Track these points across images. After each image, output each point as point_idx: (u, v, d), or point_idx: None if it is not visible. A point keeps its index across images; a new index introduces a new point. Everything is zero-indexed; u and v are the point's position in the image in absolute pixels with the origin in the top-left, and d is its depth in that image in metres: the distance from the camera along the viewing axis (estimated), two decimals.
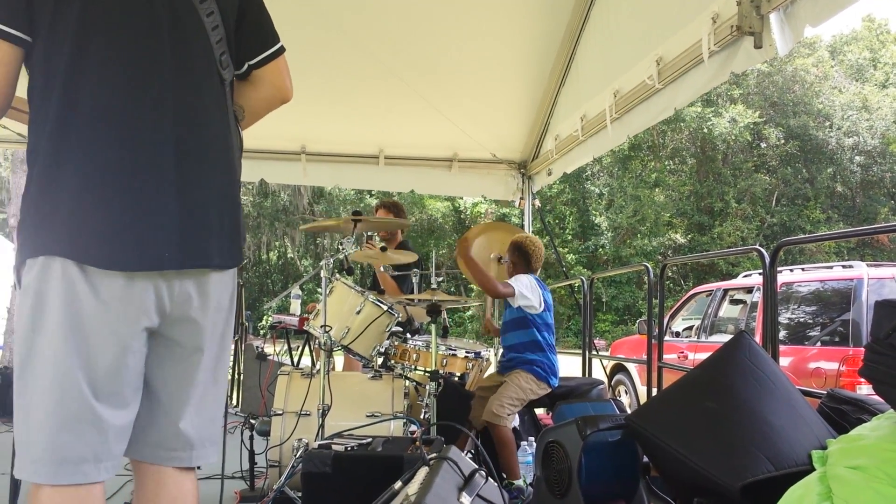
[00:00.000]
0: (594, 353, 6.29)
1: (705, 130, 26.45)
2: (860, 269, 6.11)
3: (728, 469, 2.19)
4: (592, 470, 2.69)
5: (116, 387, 1.68)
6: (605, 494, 2.79)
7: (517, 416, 4.32)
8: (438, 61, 5.53)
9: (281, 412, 3.86)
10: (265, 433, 3.85)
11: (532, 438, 4.16)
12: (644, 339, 6.37)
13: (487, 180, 7.00)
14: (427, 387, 3.92)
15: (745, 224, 26.11)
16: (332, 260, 4.01)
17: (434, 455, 2.47)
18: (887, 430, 2.10)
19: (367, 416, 3.82)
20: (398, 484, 2.31)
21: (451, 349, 4.35)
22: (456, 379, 4.41)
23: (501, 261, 4.57)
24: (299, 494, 3.32)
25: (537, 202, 7.04)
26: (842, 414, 2.61)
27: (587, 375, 5.99)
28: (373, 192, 24.12)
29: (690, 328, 8.65)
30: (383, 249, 4.66)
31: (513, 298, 4.15)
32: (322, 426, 3.56)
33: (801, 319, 6.61)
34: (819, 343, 6.19)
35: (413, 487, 2.16)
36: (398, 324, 4.45)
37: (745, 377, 2.46)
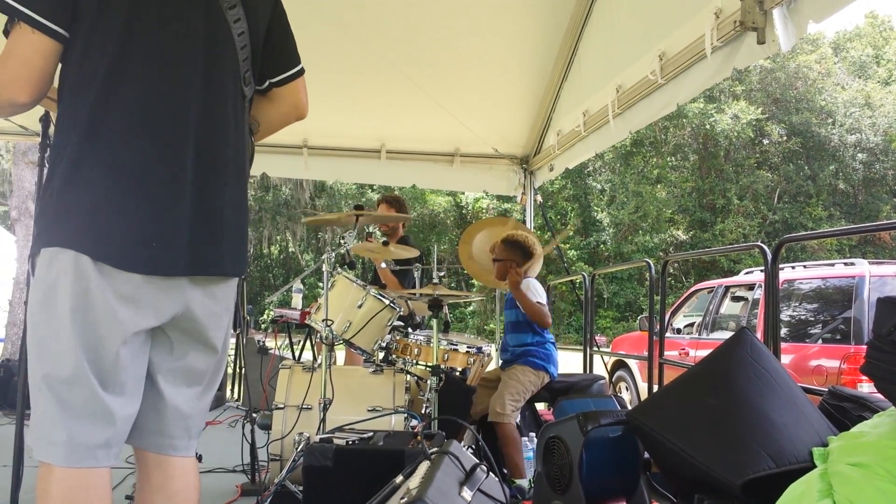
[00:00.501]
0: (595, 349, 6.29)
1: (707, 127, 26.40)
2: (862, 267, 6.11)
3: (729, 465, 2.19)
4: (593, 465, 2.69)
5: (121, 378, 1.74)
6: (606, 490, 2.79)
7: (518, 412, 4.32)
8: (440, 56, 5.52)
9: (282, 406, 3.87)
10: (266, 427, 3.86)
11: (533, 434, 4.16)
12: (645, 336, 6.37)
13: (489, 175, 7.00)
14: (428, 381, 3.92)
15: (747, 221, 26.09)
16: (333, 254, 4.02)
17: (435, 449, 2.47)
18: (888, 427, 2.10)
19: (369, 411, 3.82)
20: (399, 478, 2.31)
21: (452, 344, 4.35)
22: (457, 374, 4.41)
23: (495, 261, 4.42)
24: (300, 488, 3.33)
25: (539, 197, 7.03)
26: (843, 411, 2.61)
27: (588, 371, 5.98)
28: (374, 187, 24.10)
29: (692, 325, 8.66)
30: (385, 244, 4.66)
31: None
32: (323, 420, 3.57)
33: (803, 317, 6.61)
34: (820, 340, 6.19)
35: (414, 482, 2.17)
36: (400, 318, 4.46)
37: (747, 373, 2.46)
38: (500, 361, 4.42)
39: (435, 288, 4.04)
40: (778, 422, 2.29)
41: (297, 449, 3.55)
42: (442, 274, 4.51)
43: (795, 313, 6.65)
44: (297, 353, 6.56)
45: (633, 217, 26.55)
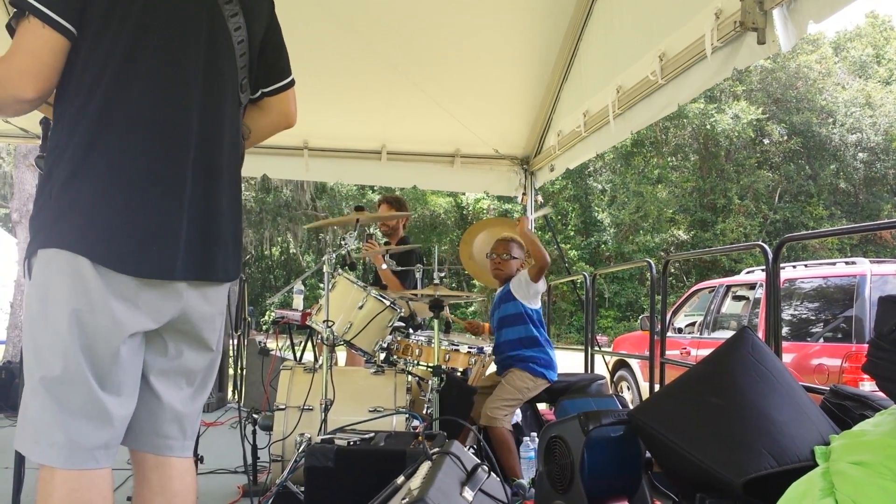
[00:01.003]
0: (596, 348, 6.29)
1: (708, 127, 26.39)
2: (863, 266, 6.10)
3: (731, 464, 2.19)
4: (595, 465, 2.69)
5: (119, 378, 1.75)
6: (608, 490, 2.79)
7: (519, 411, 4.32)
8: (441, 57, 5.52)
9: (283, 407, 3.87)
10: (268, 428, 3.86)
11: (534, 434, 4.16)
12: (646, 336, 6.37)
13: (490, 176, 7.00)
14: (429, 382, 3.92)
15: (748, 220, 26.08)
16: (334, 255, 4.02)
17: (436, 450, 2.47)
18: (890, 425, 2.10)
19: (370, 412, 3.82)
20: (401, 478, 2.31)
21: (453, 344, 4.35)
22: (458, 374, 4.41)
23: (493, 257, 4.41)
24: (302, 489, 3.33)
25: (540, 198, 7.03)
26: (845, 410, 2.61)
27: (589, 371, 5.98)
28: (375, 188, 24.10)
29: (693, 324, 8.65)
30: (386, 244, 4.66)
31: (537, 285, 4.14)
32: (325, 421, 3.57)
33: (804, 316, 6.60)
34: (822, 339, 6.19)
35: (416, 482, 2.17)
36: (401, 319, 4.46)
37: (749, 373, 2.46)
38: (496, 367, 4.39)
39: (436, 289, 4.04)
40: (779, 420, 2.29)
41: (298, 450, 3.55)
42: (443, 275, 4.50)
43: (797, 312, 6.65)
44: (298, 355, 6.56)
45: (633, 217, 26.55)
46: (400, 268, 5.49)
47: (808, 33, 3.04)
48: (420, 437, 2.91)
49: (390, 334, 4.28)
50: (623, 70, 4.58)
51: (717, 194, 27.16)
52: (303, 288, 6.22)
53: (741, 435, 2.26)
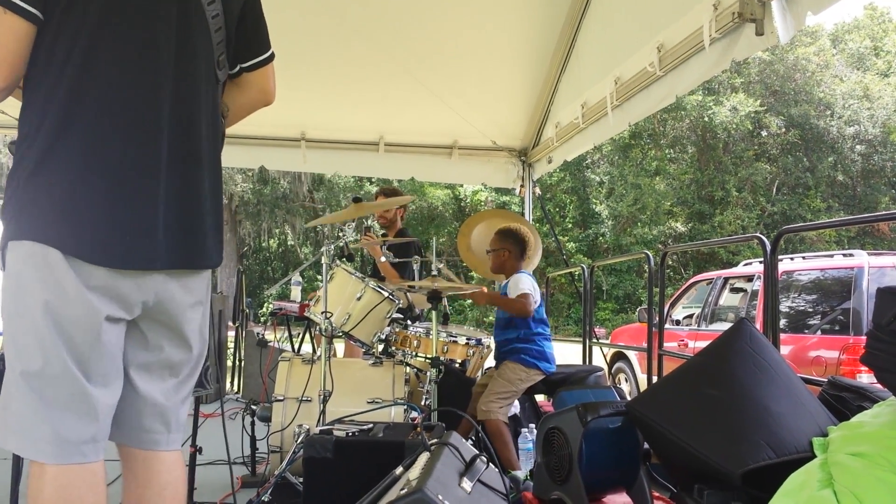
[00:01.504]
0: (594, 340, 6.29)
1: (706, 119, 26.37)
2: (861, 258, 6.11)
3: (729, 456, 2.19)
4: (593, 456, 2.68)
5: (102, 367, 1.71)
6: (606, 481, 2.80)
7: (517, 403, 4.31)
8: (439, 48, 5.51)
9: (282, 398, 3.87)
10: (266, 419, 3.86)
11: (532, 425, 4.17)
12: (644, 328, 6.38)
13: (488, 168, 7.00)
14: (428, 373, 3.92)
15: (746, 213, 26.07)
16: (332, 246, 4.01)
17: (435, 441, 2.47)
18: (888, 417, 2.10)
19: (368, 403, 3.83)
20: (399, 469, 2.31)
21: (451, 336, 4.35)
22: (457, 366, 4.41)
23: (489, 251, 4.37)
24: (301, 480, 3.33)
25: (538, 190, 7.03)
26: (842, 401, 2.61)
27: (587, 363, 5.99)
28: (373, 180, 24.07)
29: (691, 316, 8.66)
30: (384, 236, 4.66)
31: (533, 306, 4.06)
32: (323, 412, 3.57)
33: (802, 308, 6.61)
34: (819, 331, 6.20)
35: (414, 473, 2.17)
36: (399, 310, 4.46)
37: (746, 364, 2.46)
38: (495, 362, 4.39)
39: (434, 280, 4.04)
40: (777, 412, 2.29)
41: (297, 441, 3.55)
42: (441, 266, 4.50)
43: (794, 304, 6.65)
44: (296, 346, 6.57)
45: (631, 209, 26.53)
46: (398, 259, 5.49)
47: (806, 25, 3.03)
48: (418, 429, 2.91)
49: (388, 326, 4.28)
50: (621, 61, 4.58)
51: (714, 186, 27.15)
52: (301, 279, 6.23)
53: (739, 426, 2.26)
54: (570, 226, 28.15)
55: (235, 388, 7.72)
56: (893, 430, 2.00)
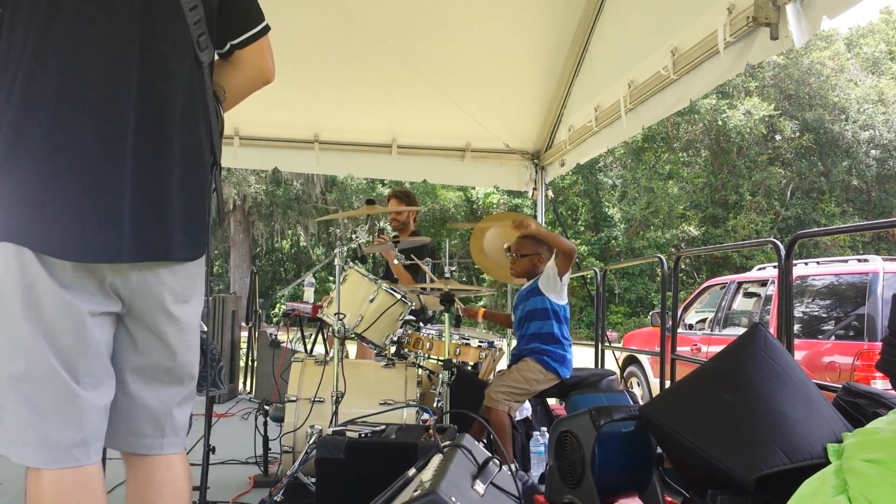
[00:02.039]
0: (607, 344, 6.28)
1: (720, 122, 26.25)
2: (876, 263, 6.07)
3: (743, 461, 2.18)
4: (606, 460, 2.68)
5: (89, 366, 1.68)
6: (619, 485, 2.79)
7: (529, 405, 4.30)
8: (452, 51, 5.52)
9: (295, 399, 3.88)
10: (279, 419, 3.88)
11: (545, 428, 4.16)
12: (657, 331, 6.36)
13: (500, 170, 6.99)
14: (440, 375, 3.92)
15: (760, 217, 25.95)
16: (345, 248, 4.02)
17: (448, 443, 2.48)
18: None
19: (381, 404, 3.83)
20: (412, 471, 2.32)
21: (464, 338, 4.36)
22: (469, 368, 4.41)
23: (511, 254, 4.28)
24: (313, 480, 3.34)
25: (550, 193, 7.02)
26: (857, 407, 2.60)
27: (600, 367, 5.98)
28: (385, 182, 24.10)
29: (704, 321, 8.63)
30: (395, 239, 4.66)
31: (563, 276, 4.10)
32: (336, 413, 3.59)
33: (816, 313, 6.58)
34: (833, 337, 6.16)
35: (427, 474, 2.17)
36: (411, 312, 4.46)
37: (761, 369, 2.45)
38: (512, 355, 4.37)
39: (446, 282, 4.04)
40: (792, 417, 2.28)
41: (309, 441, 3.56)
42: (453, 269, 4.51)
43: (808, 310, 6.62)
44: (309, 347, 6.59)
45: (644, 213, 26.45)
46: (409, 262, 5.50)
47: (821, 29, 3.02)
48: (431, 430, 2.91)
49: (401, 328, 4.28)
50: (635, 65, 4.57)
51: (728, 190, 27.04)
52: (313, 281, 6.24)
53: (753, 431, 2.25)
54: (582, 229, 28.09)
55: (248, 388, 7.75)
56: None
